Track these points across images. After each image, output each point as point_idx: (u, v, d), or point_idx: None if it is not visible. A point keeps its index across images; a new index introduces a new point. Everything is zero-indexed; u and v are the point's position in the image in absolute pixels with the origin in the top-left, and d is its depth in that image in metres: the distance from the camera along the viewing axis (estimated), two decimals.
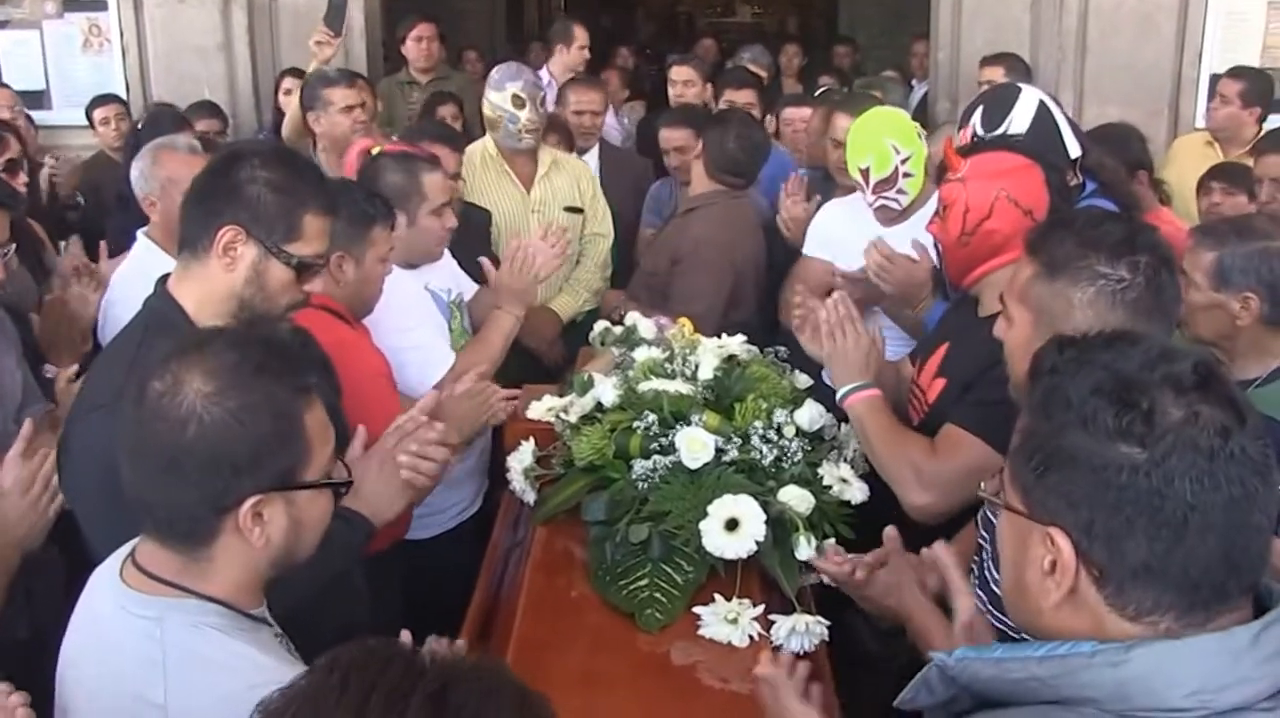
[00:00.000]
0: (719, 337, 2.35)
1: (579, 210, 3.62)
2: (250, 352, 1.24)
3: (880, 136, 2.83)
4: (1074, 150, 2.11)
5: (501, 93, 3.50)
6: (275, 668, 1.15)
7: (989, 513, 1.70)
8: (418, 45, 5.24)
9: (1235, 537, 0.94)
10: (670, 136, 3.83)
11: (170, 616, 1.22)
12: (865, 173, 2.85)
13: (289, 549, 1.26)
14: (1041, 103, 2.11)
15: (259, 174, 1.73)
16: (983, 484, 1.13)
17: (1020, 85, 2.27)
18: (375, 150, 2.70)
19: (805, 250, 3.18)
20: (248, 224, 1.71)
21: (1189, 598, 0.95)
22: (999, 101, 2.30)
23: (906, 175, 2.82)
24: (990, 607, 1.62)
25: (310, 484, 1.26)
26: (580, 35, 4.99)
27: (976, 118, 2.32)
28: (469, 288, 2.91)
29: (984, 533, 1.76)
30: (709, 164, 3.30)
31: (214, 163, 1.84)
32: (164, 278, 1.80)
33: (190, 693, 1.18)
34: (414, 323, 2.59)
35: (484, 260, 2.83)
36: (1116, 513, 0.94)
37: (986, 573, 1.71)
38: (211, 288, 1.73)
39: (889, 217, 2.89)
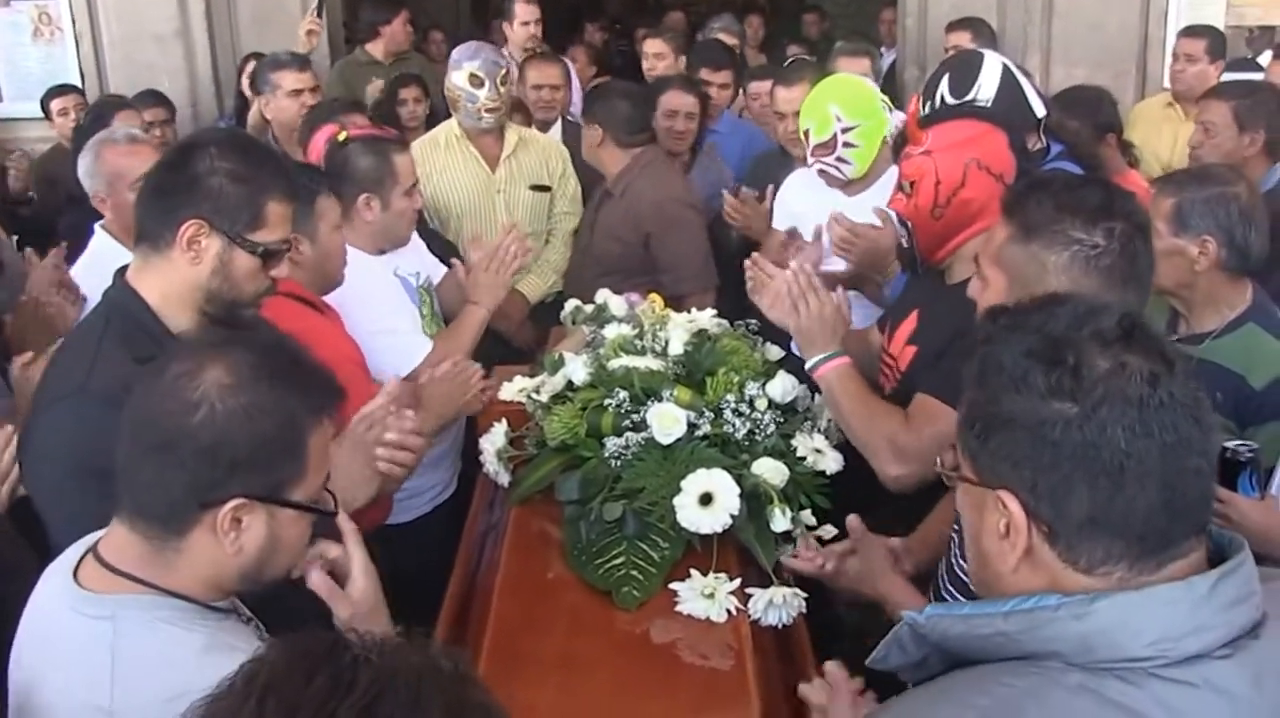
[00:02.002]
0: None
1: (546, 188, 3.58)
2: (276, 361, 1.26)
3: (825, 102, 2.84)
4: (1039, 111, 2.11)
5: (460, 72, 3.45)
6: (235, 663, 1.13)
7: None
8: (404, 30, 5.19)
9: (1174, 481, 0.95)
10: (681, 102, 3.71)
11: (124, 613, 1.20)
12: (807, 135, 2.89)
13: (260, 564, 1.25)
14: (1005, 66, 2.10)
15: (218, 164, 1.70)
16: (939, 460, 1.13)
17: (982, 51, 2.27)
18: (341, 136, 2.66)
19: (774, 224, 3.20)
20: (210, 216, 1.69)
21: (1136, 547, 0.96)
22: (964, 68, 2.28)
23: (848, 145, 2.82)
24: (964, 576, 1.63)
25: (296, 504, 1.25)
26: (522, 11, 4.89)
27: (944, 86, 2.31)
28: (437, 271, 2.88)
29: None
30: (617, 140, 3.29)
31: (170, 155, 1.80)
32: (122, 269, 1.77)
33: (138, 694, 1.16)
34: (388, 310, 2.57)
35: (456, 263, 2.80)
36: (1056, 469, 0.96)
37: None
38: (176, 281, 1.70)
39: (832, 182, 2.91)
